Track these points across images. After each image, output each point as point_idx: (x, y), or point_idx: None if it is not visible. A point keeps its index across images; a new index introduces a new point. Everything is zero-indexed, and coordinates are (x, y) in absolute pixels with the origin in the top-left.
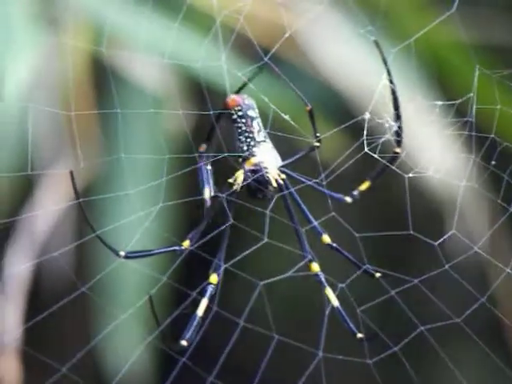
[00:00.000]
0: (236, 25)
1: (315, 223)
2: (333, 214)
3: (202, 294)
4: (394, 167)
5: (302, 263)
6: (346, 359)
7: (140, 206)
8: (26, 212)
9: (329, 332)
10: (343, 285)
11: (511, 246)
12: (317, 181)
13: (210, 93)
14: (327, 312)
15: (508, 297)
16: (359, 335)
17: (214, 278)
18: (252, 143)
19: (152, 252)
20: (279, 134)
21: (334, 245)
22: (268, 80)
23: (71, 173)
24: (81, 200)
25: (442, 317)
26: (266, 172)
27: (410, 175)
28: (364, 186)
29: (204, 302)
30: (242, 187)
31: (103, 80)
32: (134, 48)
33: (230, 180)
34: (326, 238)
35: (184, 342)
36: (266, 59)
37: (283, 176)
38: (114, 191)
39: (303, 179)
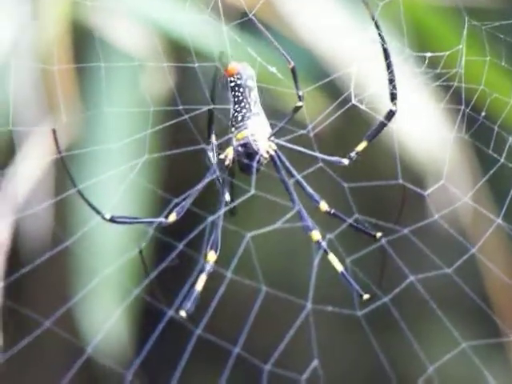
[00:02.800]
0: None
1: (312, 192)
2: (320, 164)
3: (201, 270)
4: (384, 120)
5: (289, 215)
6: (334, 311)
7: (125, 160)
8: (8, 169)
9: (318, 284)
10: (332, 235)
11: (495, 200)
12: (313, 153)
13: (195, 53)
14: (316, 263)
15: (495, 249)
16: (365, 296)
17: (211, 256)
18: (247, 114)
19: (137, 220)
20: (265, 85)
21: (333, 211)
22: (253, 38)
23: (53, 131)
24: (63, 154)
25: (431, 269)
26: (256, 145)
27: (398, 126)
28: (361, 146)
29: (203, 278)
30: (233, 162)
31: (85, 41)
32: (117, 10)
33: (221, 156)
34: (324, 206)
35: (183, 313)
36: (250, 15)
37: (274, 147)
38: (97, 146)
39: (296, 147)
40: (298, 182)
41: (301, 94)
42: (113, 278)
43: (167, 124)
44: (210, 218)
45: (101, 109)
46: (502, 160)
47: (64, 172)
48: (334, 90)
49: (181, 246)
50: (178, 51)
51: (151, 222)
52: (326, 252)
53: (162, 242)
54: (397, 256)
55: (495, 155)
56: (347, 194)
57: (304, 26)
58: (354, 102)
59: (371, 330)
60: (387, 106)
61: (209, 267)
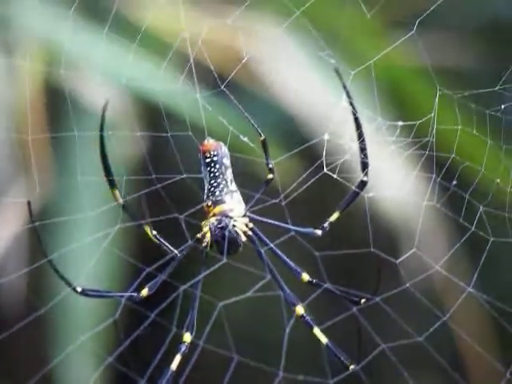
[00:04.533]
0: (192, 49)
1: (292, 265)
2: (292, 233)
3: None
4: (357, 189)
5: (260, 283)
6: (307, 380)
7: (98, 228)
8: None
9: (289, 352)
10: (303, 304)
11: (468, 267)
12: (287, 226)
13: (167, 115)
14: (287, 331)
15: (467, 319)
16: (352, 367)
17: (187, 337)
18: (225, 190)
19: (109, 294)
20: (238, 154)
21: (315, 281)
22: (225, 106)
23: (28, 203)
24: (37, 223)
25: (402, 337)
26: (234, 226)
27: (371, 195)
28: (333, 217)
29: (177, 358)
30: (211, 246)
31: (58, 104)
32: (90, 72)
33: (198, 235)
34: (306, 276)
35: None
36: (222, 87)
37: (251, 225)
38: (70, 213)
39: (271, 221)
40: (277, 256)
41: (271, 166)
42: (88, 345)
43: (140, 193)
44: (182, 288)
45: (74, 177)
46: (473, 228)
47: (37, 241)
48: (308, 154)
49: (153, 316)
50: (151, 114)
51: (123, 296)
52: (310, 326)
53: (135, 311)
54: (368, 324)
55: (466, 224)
56: (319, 263)
57: (279, 86)
58: (325, 170)
59: None
60: (359, 174)
61: (184, 348)
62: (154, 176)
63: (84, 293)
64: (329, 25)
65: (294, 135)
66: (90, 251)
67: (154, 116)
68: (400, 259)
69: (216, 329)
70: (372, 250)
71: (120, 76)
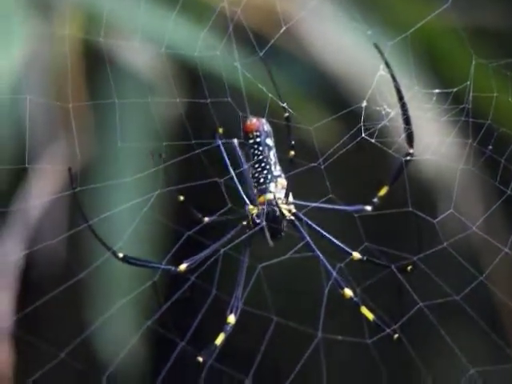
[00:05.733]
0: (232, 13)
1: (342, 245)
2: (330, 195)
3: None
4: (392, 152)
5: (299, 245)
6: (345, 340)
7: (138, 194)
8: (21, 198)
9: (327, 312)
10: (342, 264)
11: (506, 228)
12: (335, 207)
13: (206, 79)
14: (326, 292)
15: (504, 278)
16: (396, 336)
17: (231, 319)
18: (269, 176)
19: (148, 264)
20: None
21: (365, 258)
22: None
23: (69, 169)
24: (77, 189)
25: (440, 295)
26: (279, 213)
27: (408, 158)
28: (382, 191)
29: (222, 336)
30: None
31: (96, 66)
32: (129, 35)
33: (244, 223)
34: (357, 255)
35: (200, 359)
36: (260, 54)
37: (293, 210)
38: (109, 179)
39: (317, 204)
40: (325, 239)
41: (293, 143)
42: (127, 308)
43: (179, 158)
44: (223, 250)
45: (113, 141)
46: (509, 192)
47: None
48: (347, 117)
49: (193, 278)
50: (190, 77)
51: (162, 268)
52: (358, 305)
53: (175, 274)
54: (406, 283)
55: (502, 187)
56: (357, 223)
57: (318, 46)
58: (364, 135)
59: (381, 357)
60: (398, 140)
61: (228, 328)
62: (193, 141)
63: (125, 259)
64: None
65: (332, 97)
66: (129, 216)
67: (193, 79)
68: (438, 219)
69: (255, 290)
70: (411, 209)
71: (160, 40)
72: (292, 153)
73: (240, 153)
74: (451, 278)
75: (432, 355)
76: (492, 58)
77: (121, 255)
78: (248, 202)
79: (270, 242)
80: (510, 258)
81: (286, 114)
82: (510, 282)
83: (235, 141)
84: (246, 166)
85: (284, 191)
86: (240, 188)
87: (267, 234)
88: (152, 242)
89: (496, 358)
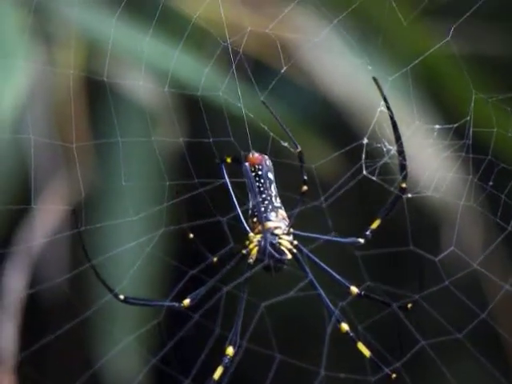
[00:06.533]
0: (239, 42)
1: (340, 278)
2: (332, 233)
3: (220, 362)
4: (394, 190)
5: (302, 284)
6: (348, 377)
7: (142, 232)
8: (24, 235)
9: (330, 350)
10: (343, 302)
11: (508, 263)
12: (329, 238)
13: (207, 110)
14: (328, 331)
15: (506, 312)
16: (394, 376)
17: (229, 351)
18: (270, 206)
19: (151, 303)
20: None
21: (363, 293)
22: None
23: (73, 211)
24: (82, 228)
25: (441, 333)
26: (280, 243)
27: (409, 195)
28: (375, 224)
29: (220, 369)
30: (255, 261)
31: (99, 97)
32: (133, 67)
33: (244, 251)
34: (354, 289)
35: None
36: (261, 98)
37: (295, 242)
38: (112, 217)
39: (314, 235)
40: (323, 271)
41: (305, 177)
42: (132, 347)
43: (182, 198)
44: (226, 289)
45: (118, 180)
46: (510, 228)
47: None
48: (350, 152)
49: (196, 317)
50: (192, 106)
51: (165, 305)
52: (354, 341)
53: (179, 312)
54: (408, 321)
55: (502, 223)
56: (359, 262)
57: (321, 74)
58: (365, 173)
59: None
60: (397, 177)
61: (227, 360)
62: (196, 181)
63: (126, 300)
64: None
65: (337, 128)
66: (133, 255)
67: (197, 111)
68: (439, 257)
69: (258, 329)
70: (412, 248)
71: (163, 74)
72: (305, 188)
73: (248, 175)
74: (455, 314)
75: None
76: (494, 89)
77: (122, 297)
78: (249, 230)
79: (272, 271)
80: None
81: (299, 150)
82: None
83: (246, 164)
84: (252, 187)
85: (284, 222)
86: (242, 218)
87: (268, 261)
88: (156, 281)
89: None
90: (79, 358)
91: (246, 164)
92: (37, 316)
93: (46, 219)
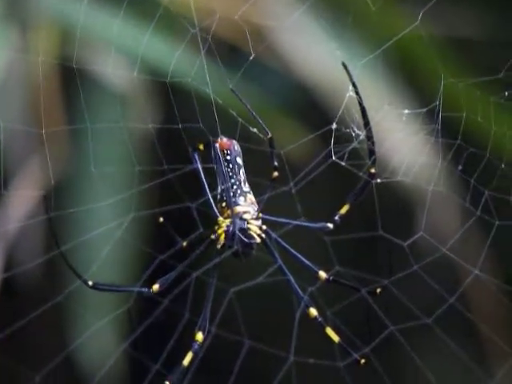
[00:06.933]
0: (209, 26)
1: (308, 263)
2: (302, 218)
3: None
4: (363, 175)
5: (271, 269)
6: (317, 363)
7: (112, 218)
8: None
9: (299, 336)
10: (313, 288)
11: (479, 247)
12: (298, 223)
13: (177, 94)
14: (297, 316)
15: (478, 297)
16: (362, 361)
17: (199, 337)
18: (238, 191)
19: (120, 288)
20: (247, 145)
21: (331, 278)
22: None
23: (44, 197)
24: (52, 214)
25: (411, 318)
26: (248, 228)
27: (378, 181)
28: (344, 209)
29: (189, 355)
30: (222, 247)
31: (71, 81)
32: (104, 50)
33: (212, 236)
34: (323, 274)
35: (167, 383)
36: (231, 87)
37: (264, 227)
38: (83, 202)
39: (283, 220)
40: (292, 256)
41: (276, 164)
42: (102, 331)
43: (152, 183)
44: (195, 274)
45: (89, 166)
46: (478, 213)
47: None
48: (320, 137)
49: (166, 302)
50: (163, 88)
51: (134, 290)
52: (322, 326)
53: (150, 298)
54: (377, 306)
55: (472, 208)
56: (328, 247)
57: (294, 58)
58: (334, 158)
59: (352, 380)
60: (367, 162)
61: (196, 346)
62: (166, 167)
63: (95, 286)
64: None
65: (308, 111)
66: (103, 241)
67: (167, 93)
68: (408, 242)
69: (227, 314)
70: (380, 232)
71: (134, 57)
72: (275, 174)
73: (218, 157)
74: (426, 299)
75: (404, 379)
76: (466, 73)
77: (90, 283)
78: (218, 214)
79: (240, 255)
80: (484, 276)
81: (269, 136)
82: (484, 301)
83: (216, 145)
84: (221, 171)
85: (253, 207)
86: (212, 201)
87: (237, 247)
88: (126, 266)
89: (467, 380)
90: (53, 343)
91: (216, 146)
92: (11, 300)
93: (20, 204)
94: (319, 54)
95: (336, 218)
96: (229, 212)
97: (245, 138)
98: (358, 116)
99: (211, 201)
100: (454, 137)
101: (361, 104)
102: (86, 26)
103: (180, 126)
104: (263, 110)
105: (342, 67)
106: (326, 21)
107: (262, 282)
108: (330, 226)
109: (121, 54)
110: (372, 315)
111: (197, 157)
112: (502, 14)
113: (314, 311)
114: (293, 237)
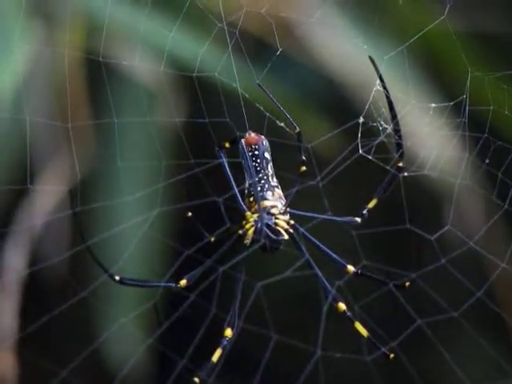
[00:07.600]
0: (236, 21)
1: (336, 257)
2: (329, 212)
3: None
4: (390, 168)
5: (298, 263)
6: (343, 357)
7: (138, 213)
8: (23, 216)
9: (326, 330)
10: (340, 282)
11: (506, 240)
12: (326, 217)
13: (203, 88)
14: (325, 310)
15: (505, 288)
16: (391, 355)
17: (228, 333)
18: (266, 185)
19: (146, 284)
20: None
21: (360, 271)
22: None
23: (70, 191)
24: (78, 209)
25: (440, 310)
26: (276, 224)
27: (406, 174)
28: (371, 203)
29: (218, 352)
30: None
31: (97, 76)
32: (131, 44)
33: (240, 232)
34: (351, 268)
35: (196, 379)
36: (258, 81)
37: (292, 222)
38: (110, 197)
39: (310, 214)
40: (320, 250)
41: (304, 158)
42: (129, 327)
43: (179, 178)
44: (222, 269)
45: (115, 160)
46: (506, 206)
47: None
48: (347, 131)
49: (193, 297)
50: (190, 83)
51: (162, 285)
52: (351, 320)
53: (175, 292)
54: (404, 300)
55: (499, 202)
56: (355, 240)
57: (321, 52)
58: (361, 152)
59: (380, 374)
60: (394, 156)
61: (225, 342)
62: (192, 161)
63: (122, 281)
64: None
65: (336, 105)
66: (129, 235)
67: (194, 88)
68: (435, 236)
69: (254, 308)
70: (408, 226)
71: (160, 53)
72: (303, 168)
73: (245, 153)
74: (454, 293)
75: (432, 373)
76: (492, 67)
77: (117, 278)
78: (246, 209)
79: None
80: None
81: (297, 130)
82: (511, 294)
83: (242, 141)
84: (249, 166)
85: (281, 201)
86: (239, 197)
87: (265, 242)
88: (152, 260)
89: (495, 375)
90: (78, 338)
91: (243, 142)
92: (36, 295)
93: (46, 199)
94: (346, 48)
95: (364, 212)
96: (256, 207)
97: (272, 133)
98: (384, 110)
99: (238, 195)
100: (480, 130)
101: (388, 97)
102: (113, 20)
103: (207, 120)
104: (290, 105)
105: (368, 61)
106: (352, 15)
107: (289, 275)
108: (358, 220)
109: (147, 48)
110: (399, 309)
111: (223, 155)
112: None
113: (342, 305)
114: (320, 231)
